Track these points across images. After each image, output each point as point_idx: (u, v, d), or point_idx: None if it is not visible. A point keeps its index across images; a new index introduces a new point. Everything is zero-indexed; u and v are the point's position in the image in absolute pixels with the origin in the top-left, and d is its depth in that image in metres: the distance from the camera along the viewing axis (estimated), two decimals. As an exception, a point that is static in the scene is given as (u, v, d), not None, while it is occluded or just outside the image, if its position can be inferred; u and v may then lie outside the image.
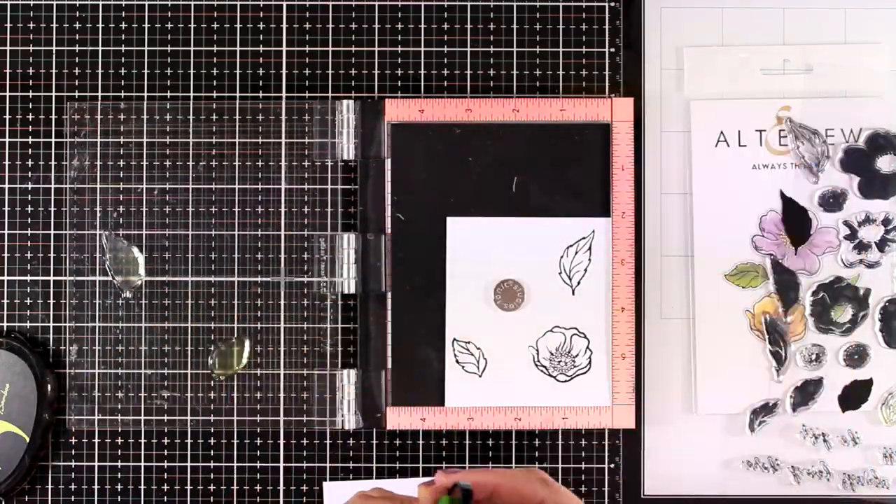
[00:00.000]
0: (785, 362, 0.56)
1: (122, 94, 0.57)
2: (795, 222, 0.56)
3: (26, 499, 0.56)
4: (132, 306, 0.56)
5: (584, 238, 0.56)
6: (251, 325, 0.56)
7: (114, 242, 0.56)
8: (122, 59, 0.57)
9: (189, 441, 0.56)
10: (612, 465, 0.56)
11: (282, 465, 0.56)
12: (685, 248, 0.57)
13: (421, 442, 0.56)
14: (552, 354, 0.56)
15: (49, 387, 0.55)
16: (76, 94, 0.57)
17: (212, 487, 0.56)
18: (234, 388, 0.56)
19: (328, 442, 0.56)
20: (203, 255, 0.56)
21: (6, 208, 0.56)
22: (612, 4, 0.57)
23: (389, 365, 0.56)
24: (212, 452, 0.56)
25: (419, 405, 0.56)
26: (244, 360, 0.55)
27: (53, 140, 0.57)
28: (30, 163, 0.57)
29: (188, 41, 0.57)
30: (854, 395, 0.56)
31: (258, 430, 0.56)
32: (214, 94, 0.57)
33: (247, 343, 0.55)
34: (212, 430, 0.56)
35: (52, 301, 0.56)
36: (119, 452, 0.56)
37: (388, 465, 0.56)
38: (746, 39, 0.57)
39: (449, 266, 0.56)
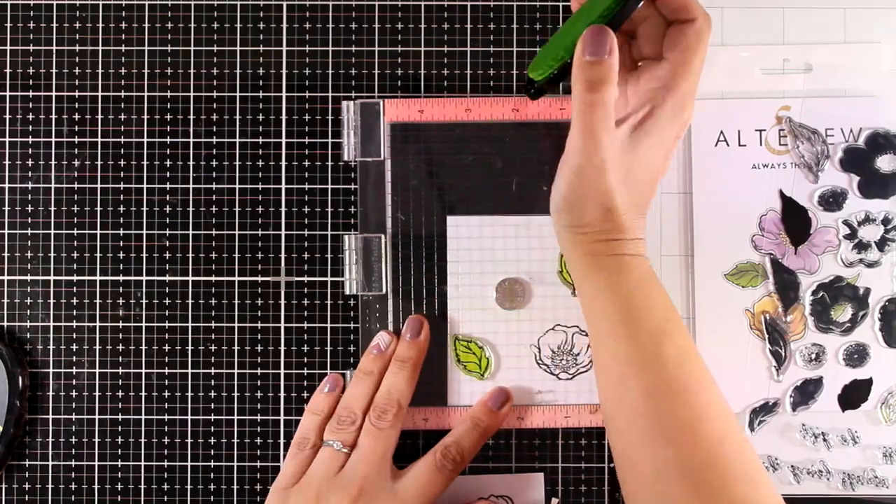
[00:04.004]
0: (785, 362, 0.56)
1: (122, 94, 0.57)
2: (795, 222, 0.56)
3: (3, 487, 0.56)
4: (131, 306, 0.56)
5: (585, 237, 0.56)
6: (250, 325, 0.56)
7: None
8: (122, 59, 0.57)
9: (189, 441, 0.56)
10: (613, 465, 0.56)
11: (283, 465, 0.56)
12: (685, 248, 0.57)
13: (422, 442, 0.56)
14: (554, 353, 0.56)
15: (20, 380, 0.55)
16: (76, 94, 0.57)
17: (212, 487, 0.56)
18: (234, 387, 0.56)
19: (328, 442, 0.56)
20: (203, 254, 0.56)
21: (6, 208, 0.56)
22: (612, 4, 0.57)
23: (390, 365, 0.56)
24: (212, 452, 0.56)
25: (421, 405, 0.56)
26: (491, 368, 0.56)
27: (53, 140, 0.56)
28: (30, 163, 0.56)
29: (188, 41, 0.57)
30: (854, 395, 0.56)
31: (258, 429, 0.56)
32: (214, 94, 0.57)
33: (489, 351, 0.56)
34: (212, 429, 0.56)
35: (52, 301, 0.56)
36: (119, 452, 0.56)
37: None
38: (746, 39, 0.57)
39: (450, 265, 0.56)
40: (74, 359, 0.56)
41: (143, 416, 0.56)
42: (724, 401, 0.46)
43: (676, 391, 0.45)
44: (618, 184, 0.45)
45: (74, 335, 0.56)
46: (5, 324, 0.56)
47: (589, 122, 0.44)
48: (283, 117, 0.57)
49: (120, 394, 0.56)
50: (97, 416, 0.56)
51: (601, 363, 0.48)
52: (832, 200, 0.56)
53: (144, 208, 0.56)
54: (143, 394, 0.56)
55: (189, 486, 0.56)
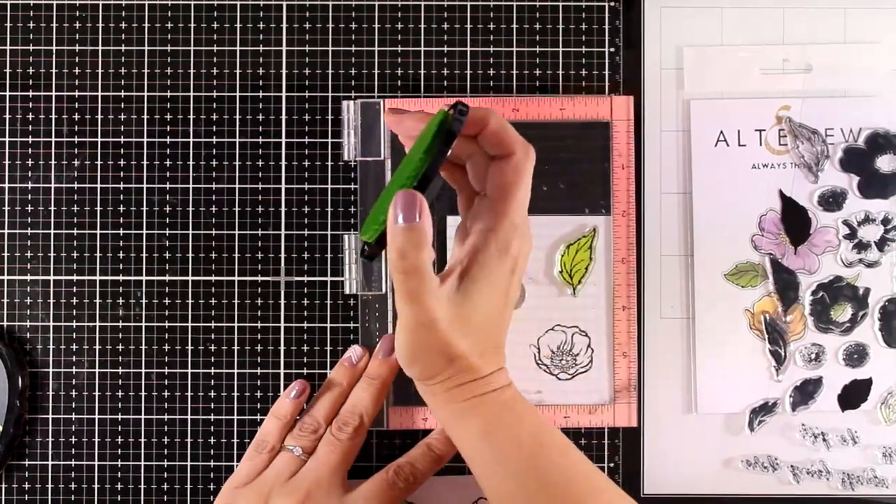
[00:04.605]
0: (784, 361, 0.56)
1: (122, 93, 0.57)
2: (795, 222, 0.56)
3: (3, 487, 0.56)
4: (131, 306, 0.56)
5: (584, 236, 0.56)
6: (250, 325, 0.56)
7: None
8: (122, 59, 0.57)
9: (189, 441, 0.56)
10: (612, 465, 0.56)
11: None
12: (685, 248, 0.57)
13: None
14: (553, 353, 0.56)
15: (20, 380, 0.55)
16: (76, 93, 0.57)
17: (211, 487, 0.56)
18: (234, 387, 0.56)
19: (328, 441, 0.56)
20: (203, 254, 0.56)
21: (6, 208, 0.56)
22: (612, 4, 0.57)
23: (390, 364, 0.56)
24: (212, 452, 0.56)
25: (421, 405, 0.56)
26: None
27: (53, 140, 0.56)
28: (30, 163, 0.56)
29: (188, 41, 0.57)
30: (853, 395, 0.56)
31: (258, 429, 0.56)
32: (214, 94, 0.57)
33: None
34: (212, 429, 0.56)
35: (52, 301, 0.56)
36: (119, 452, 0.56)
37: (389, 465, 0.56)
38: (746, 39, 0.57)
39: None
40: (74, 359, 0.56)
41: (142, 416, 0.56)
42: (617, 491, 0.46)
43: None
44: (456, 335, 0.44)
45: (74, 335, 0.56)
46: (5, 324, 0.56)
47: (407, 289, 0.43)
48: (283, 117, 0.57)
49: (120, 394, 0.56)
50: (97, 416, 0.56)
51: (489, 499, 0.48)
52: (832, 200, 0.56)
53: (144, 208, 0.56)
54: (143, 394, 0.56)
55: (189, 486, 0.56)
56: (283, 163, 0.57)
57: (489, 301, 0.45)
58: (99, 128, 0.56)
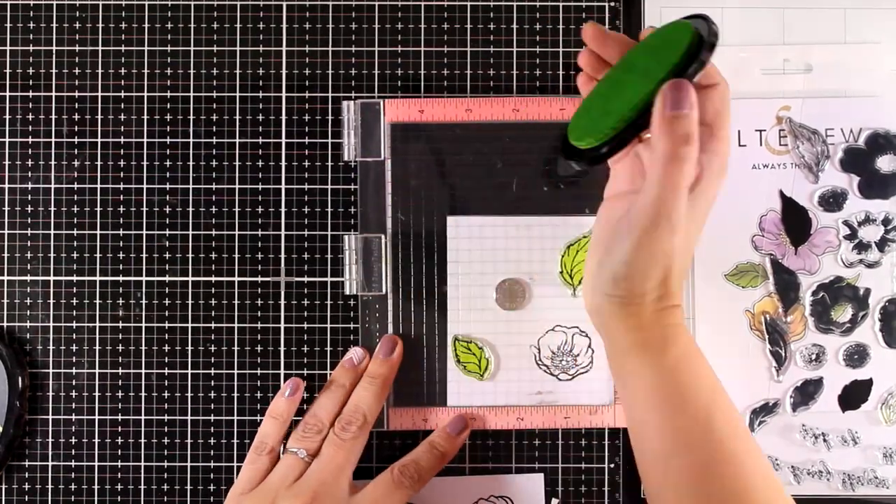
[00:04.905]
0: (785, 362, 0.56)
1: (122, 93, 0.57)
2: (795, 222, 0.56)
3: (3, 487, 0.56)
4: (131, 306, 0.56)
5: (585, 236, 0.56)
6: (250, 325, 0.56)
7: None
8: (122, 59, 0.57)
9: (189, 441, 0.56)
10: (613, 465, 0.56)
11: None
12: (685, 248, 0.57)
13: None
14: (553, 353, 0.56)
15: (20, 380, 0.55)
16: (76, 94, 0.57)
17: (211, 487, 0.56)
18: (234, 387, 0.56)
19: (328, 442, 0.56)
20: (203, 255, 0.56)
21: (6, 208, 0.56)
22: (612, 4, 0.57)
23: (390, 365, 0.56)
24: (212, 452, 0.56)
25: (421, 406, 0.56)
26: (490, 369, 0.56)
27: (53, 140, 0.56)
28: (30, 163, 0.56)
29: (188, 41, 0.57)
30: (854, 395, 0.56)
31: (257, 431, 0.56)
32: (214, 94, 0.57)
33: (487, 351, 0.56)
34: (212, 429, 0.56)
35: (52, 301, 0.56)
36: (119, 452, 0.56)
37: (389, 465, 0.56)
38: (746, 39, 0.57)
39: (450, 266, 0.56)
40: (74, 359, 0.56)
41: (143, 416, 0.56)
42: (770, 466, 0.46)
43: (725, 465, 0.44)
44: (679, 247, 0.44)
45: (74, 335, 0.56)
46: (5, 324, 0.56)
47: (676, 178, 0.42)
48: (283, 117, 0.57)
49: (120, 394, 0.56)
50: (97, 417, 0.56)
51: (644, 438, 0.47)
52: (832, 201, 0.56)
53: (144, 208, 0.56)
54: (143, 394, 0.56)
55: (189, 487, 0.56)
56: (283, 163, 0.57)
57: (699, 221, 0.46)
58: (99, 128, 0.56)
